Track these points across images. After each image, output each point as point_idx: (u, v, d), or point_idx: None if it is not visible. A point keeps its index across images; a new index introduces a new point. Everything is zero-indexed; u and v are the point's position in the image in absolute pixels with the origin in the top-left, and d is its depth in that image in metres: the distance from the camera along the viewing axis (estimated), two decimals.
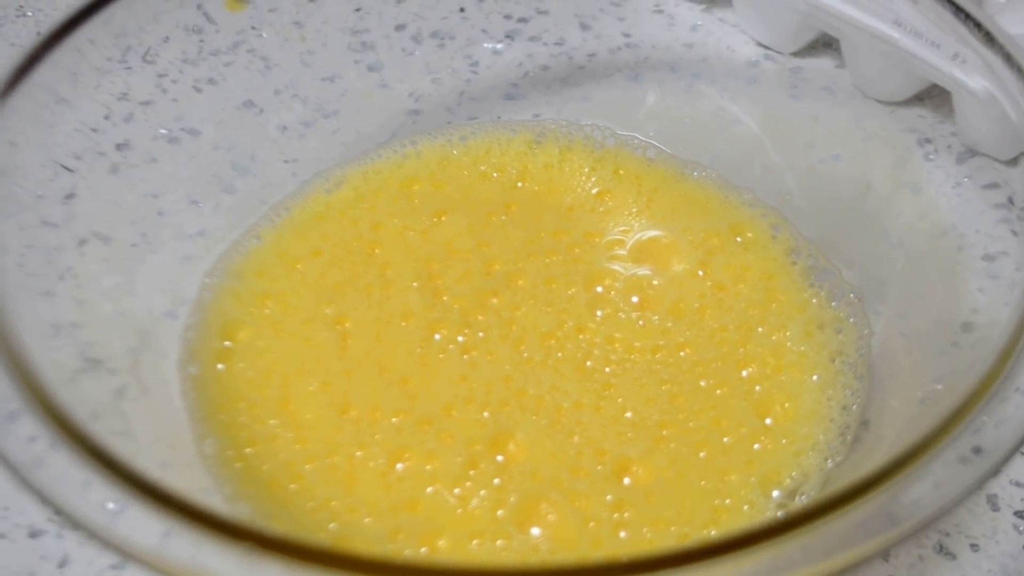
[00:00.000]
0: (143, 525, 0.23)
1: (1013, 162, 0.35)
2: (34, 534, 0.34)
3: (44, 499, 0.24)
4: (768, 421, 0.31)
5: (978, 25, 0.31)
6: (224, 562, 0.22)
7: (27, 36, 0.53)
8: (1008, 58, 0.30)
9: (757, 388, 0.32)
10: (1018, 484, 0.34)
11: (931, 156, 0.38)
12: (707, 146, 0.41)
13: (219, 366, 0.34)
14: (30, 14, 0.54)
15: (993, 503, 0.33)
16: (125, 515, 0.23)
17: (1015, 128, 0.31)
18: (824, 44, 0.45)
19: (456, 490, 0.30)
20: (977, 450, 0.23)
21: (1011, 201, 0.34)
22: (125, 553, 0.23)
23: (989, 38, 0.31)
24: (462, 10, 0.47)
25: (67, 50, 0.35)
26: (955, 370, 0.28)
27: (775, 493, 0.30)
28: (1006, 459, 0.24)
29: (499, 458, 0.31)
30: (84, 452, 0.24)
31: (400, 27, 0.45)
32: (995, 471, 0.23)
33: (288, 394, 0.33)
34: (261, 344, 0.35)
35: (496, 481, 0.30)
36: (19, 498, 0.34)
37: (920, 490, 0.23)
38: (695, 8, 0.49)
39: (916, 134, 0.38)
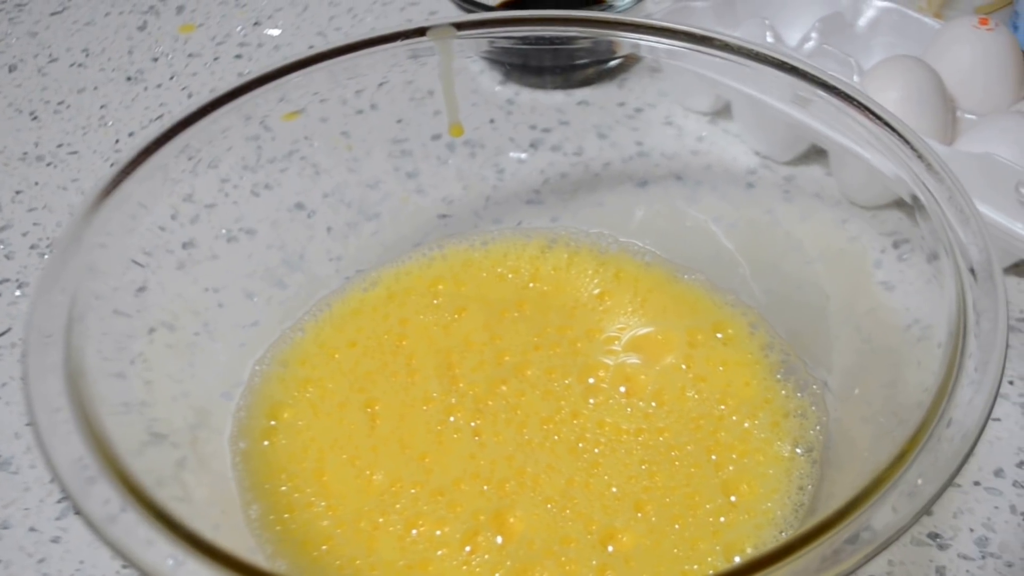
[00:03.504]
0: None
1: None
2: None
3: (116, 552, 0.27)
4: (733, 498, 0.36)
5: (919, 155, 0.36)
6: None
7: (107, 144, 0.58)
8: (936, 175, 0.35)
9: (726, 469, 0.36)
10: (965, 557, 0.38)
11: (905, 256, 0.40)
12: (698, 252, 0.45)
13: (265, 442, 0.38)
14: (110, 123, 0.60)
15: (941, 574, 0.37)
16: (183, 568, 0.27)
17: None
18: (816, 153, 0.49)
19: (461, 553, 0.35)
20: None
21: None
22: None
23: (929, 165, 0.36)
24: (492, 121, 0.51)
25: (151, 167, 0.38)
26: (895, 444, 0.31)
27: (736, 559, 0.34)
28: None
29: (500, 527, 0.35)
30: (150, 514, 0.28)
31: (436, 137, 0.49)
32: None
33: (323, 467, 0.38)
34: (301, 423, 0.39)
35: (496, 546, 0.35)
36: (93, 553, 0.39)
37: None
38: (701, 120, 0.53)
39: (894, 235, 0.41)
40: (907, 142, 0.36)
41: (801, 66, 0.40)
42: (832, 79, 0.39)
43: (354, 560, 0.35)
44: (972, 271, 0.33)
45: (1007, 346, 0.31)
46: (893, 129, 0.37)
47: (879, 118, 0.38)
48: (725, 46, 0.41)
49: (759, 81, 0.42)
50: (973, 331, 0.31)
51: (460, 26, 0.43)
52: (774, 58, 0.40)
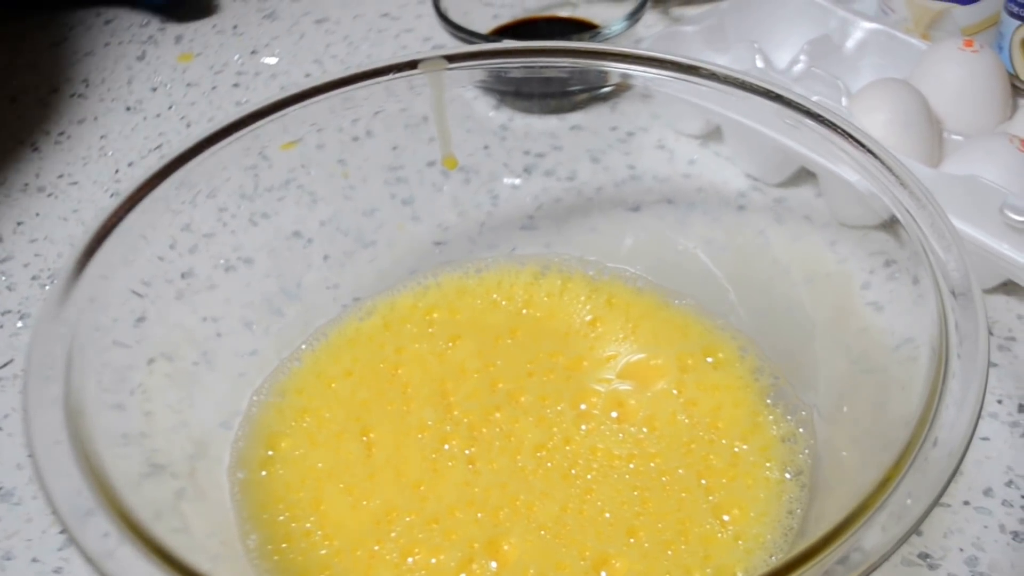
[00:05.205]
0: None
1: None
2: None
3: None
4: (725, 520, 0.36)
5: (901, 181, 0.37)
6: None
7: (107, 174, 0.59)
8: (918, 201, 0.36)
9: (717, 494, 0.37)
10: None
11: (896, 275, 0.39)
12: (689, 277, 0.45)
13: (263, 472, 0.39)
14: (110, 154, 0.61)
15: None
16: None
17: None
18: (806, 175, 0.50)
19: None
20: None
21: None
22: None
23: (911, 192, 0.36)
24: (486, 147, 0.51)
25: (151, 200, 0.39)
26: (882, 466, 0.31)
27: None
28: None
29: (495, 554, 0.36)
30: (147, 548, 0.29)
31: (431, 163, 0.49)
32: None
33: (320, 496, 0.38)
34: (298, 453, 0.40)
35: (491, 573, 0.35)
36: None
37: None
38: (692, 143, 0.54)
39: (884, 255, 0.40)
40: (889, 168, 0.37)
41: (786, 94, 0.41)
42: (816, 106, 0.40)
43: None
44: (953, 293, 0.33)
45: (989, 366, 0.32)
46: (876, 156, 0.38)
47: (862, 145, 0.38)
48: (712, 75, 0.42)
49: (746, 108, 0.42)
50: (956, 352, 0.32)
51: (451, 59, 0.44)
52: (759, 86, 0.41)
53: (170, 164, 0.40)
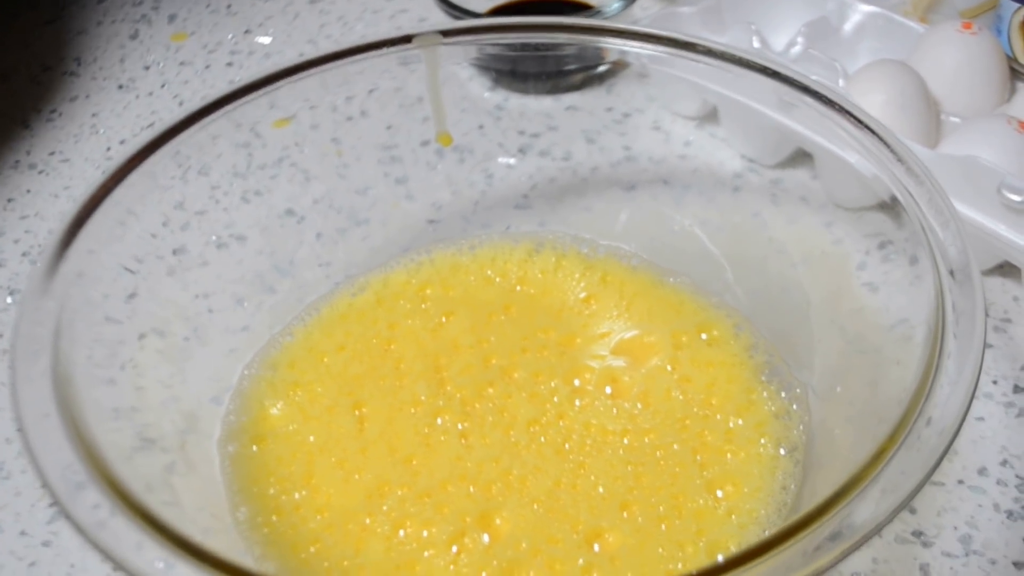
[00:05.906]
0: None
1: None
2: None
3: (106, 557, 0.28)
4: (719, 495, 0.36)
5: (900, 158, 0.36)
6: None
7: (99, 151, 0.59)
8: (916, 178, 0.36)
9: (711, 470, 0.37)
10: (948, 555, 0.38)
11: (892, 256, 0.39)
12: (684, 255, 0.45)
13: (253, 447, 0.39)
14: (101, 131, 0.61)
15: (925, 572, 0.37)
16: (173, 571, 0.27)
17: None
18: (802, 156, 0.50)
19: (448, 554, 0.35)
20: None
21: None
22: None
23: (909, 169, 0.36)
24: (481, 127, 0.51)
25: (141, 174, 0.39)
26: (875, 442, 0.31)
27: (720, 558, 0.34)
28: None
29: (487, 528, 0.36)
30: (139, 519, 0.28)
31: (425, 143, 0.49)
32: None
33: (311, 470, 0.38)
34: (290, 427, 0.39)
35: (483, 546, 0.35)
36: (83, 556, 0.39)
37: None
38: (688, 124, 0.53)
39: (879, 236, 0.40)
40: (888, 146, 0.37)
41: (783, 71, 0.40)
42: (814, 84, 0.40)
43: (342, 561, 0.35)
44: (951, 273, 0.33)
45: (985, 345, 0.32)
46: (874, 133, 0.37)
47: (861, 122, 0.38)
48: (709, 52, 0.42)
49: (743, 86, 0.42)
50: (952, 331, 0.32)
51: (446, 33, 0.43)
52: (757, 63, 0.41)
53: (159, 137, 0.40)
